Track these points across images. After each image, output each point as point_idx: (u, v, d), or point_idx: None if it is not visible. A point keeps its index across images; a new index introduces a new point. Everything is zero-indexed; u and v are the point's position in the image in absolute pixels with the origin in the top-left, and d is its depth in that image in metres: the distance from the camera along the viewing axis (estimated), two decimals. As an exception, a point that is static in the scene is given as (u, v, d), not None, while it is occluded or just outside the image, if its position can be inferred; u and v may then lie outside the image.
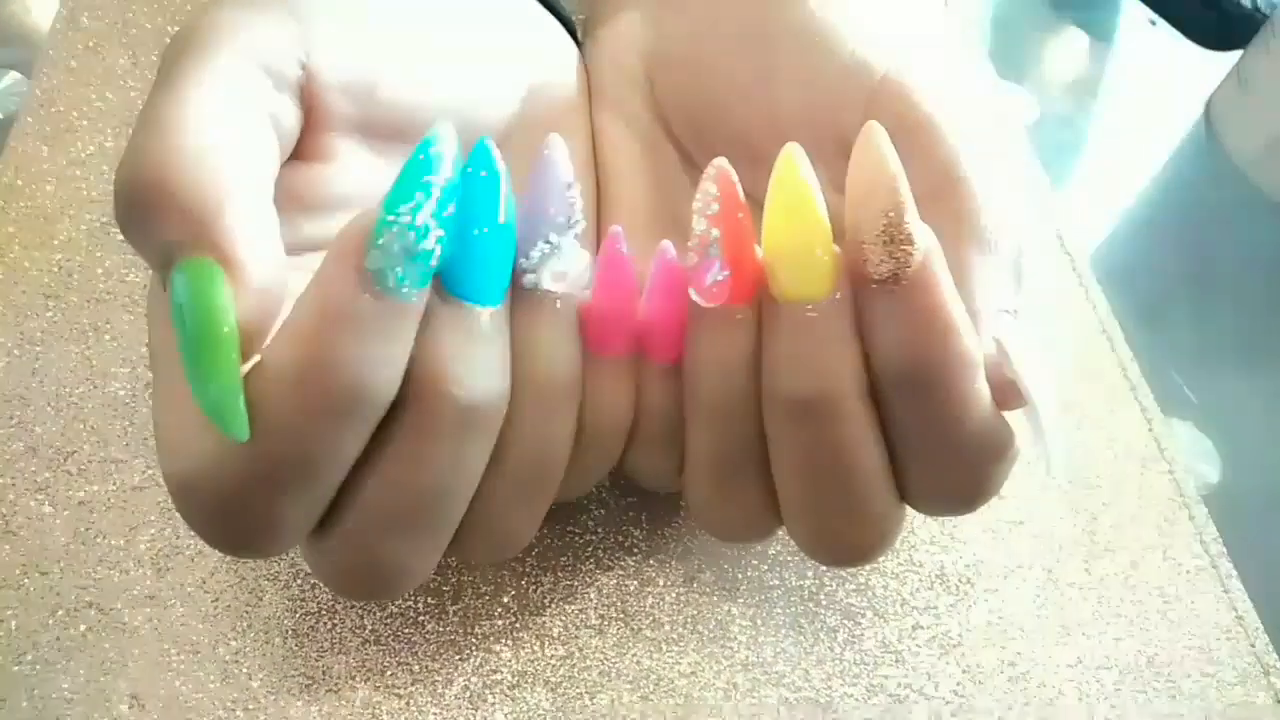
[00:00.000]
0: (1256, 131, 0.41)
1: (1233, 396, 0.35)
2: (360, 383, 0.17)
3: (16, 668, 0.22)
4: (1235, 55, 0.42)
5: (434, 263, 0.17)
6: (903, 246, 0.18)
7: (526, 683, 0.24)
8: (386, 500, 0.18)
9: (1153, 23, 0.46)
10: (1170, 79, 0.44)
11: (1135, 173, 0.41)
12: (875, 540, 0.21)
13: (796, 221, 0.19)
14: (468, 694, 0.23)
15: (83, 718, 0.22)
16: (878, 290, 0.19)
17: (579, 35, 0.29)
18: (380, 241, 0.16)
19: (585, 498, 0.27)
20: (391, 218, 0.16)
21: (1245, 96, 0.41)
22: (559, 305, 0.19)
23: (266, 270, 0.18)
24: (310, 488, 0.18)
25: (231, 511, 0.17)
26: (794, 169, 0.18)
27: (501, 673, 0.24)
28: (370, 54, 0.22)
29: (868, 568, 0.27)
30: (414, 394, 0.18)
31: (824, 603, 0.26)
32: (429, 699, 0.23)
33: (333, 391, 0.16)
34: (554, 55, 0.27)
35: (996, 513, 0.28)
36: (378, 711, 0.23)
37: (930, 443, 0.20)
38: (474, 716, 0.23)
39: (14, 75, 0.35)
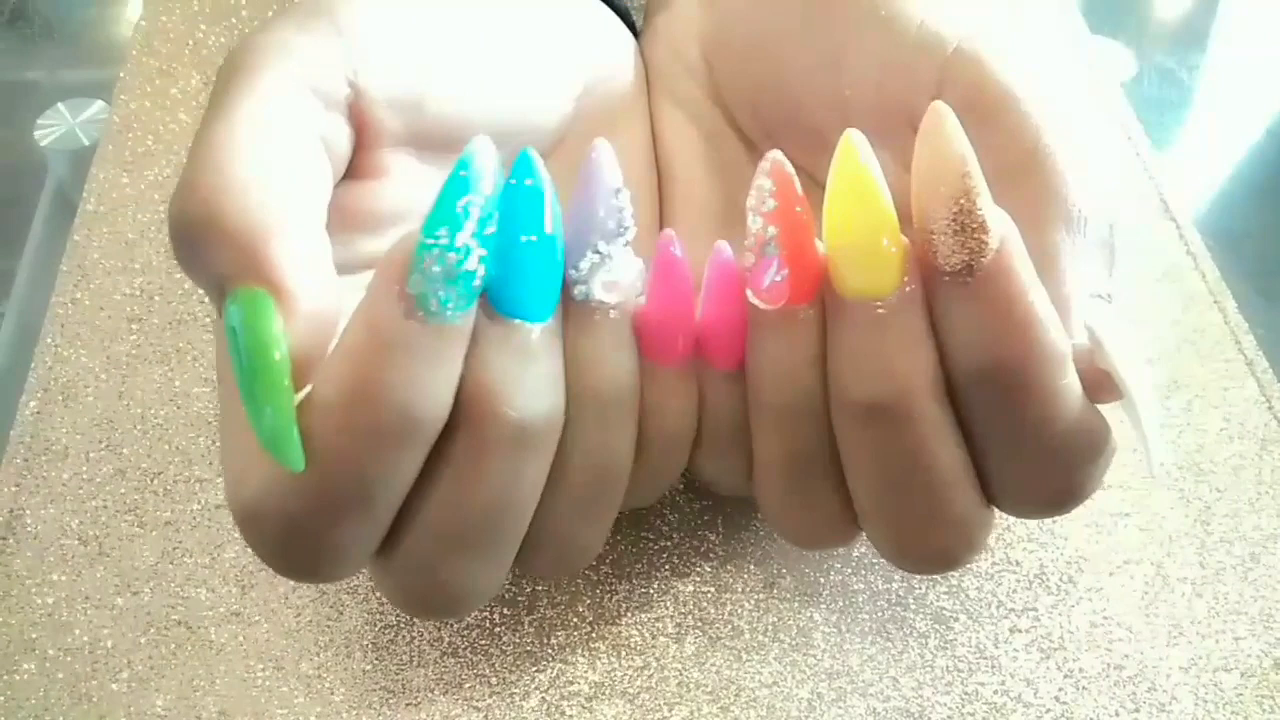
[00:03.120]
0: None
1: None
2: (409, 408, 0.16)
3: (114, 685, 0.23)
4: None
5: (478, 283, 0.16)
6: (976, 235, 0.17)
7: (604, 694, 0.23)
8: (446, 521, 0.18)
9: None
10: (1272, 21, 0.41)
11: (1245, 129, 0.38)
12: (960, 546, 0.20)
13: (859, 212, 0.18)
14: (545, 706, 0.23)
15: (176, 734, 0.23)
16: (950, 283, 0.18)
17: (637, 26, 0.28)
18: (421, 265, 0.16)
19: (660, 503, 0.26)
20: (431, 241, 0.16)
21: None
22: (612, 315, 0.19)
23: (317, 297, 0.17)
24: (369, 513, 0.17)
25: (294, 539, 0.17)
26: (854, 155, 0.17)
27: (578, 684, 0.23)
28: (417, 67, 0.21)
29: (959, 569, 0.25)
30: (466, 416, 0.17)
31: (912, 607, 0.25)
32: (506, 711, 0.23)
33: (382, 418, 0.16)
34: (610, 48, 0.27)
35: (1100, 505, 0.26)
36: (457, 725, 0.23)
37: (1016, 444, 0.19)
38: (553, 729, 0.23)
39: (99, 104, 0.36)
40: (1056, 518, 0.26)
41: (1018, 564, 0.25)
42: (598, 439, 0.19)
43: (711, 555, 0.25)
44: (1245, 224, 0.35)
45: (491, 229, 0.16)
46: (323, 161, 0.20)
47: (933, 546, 0.20)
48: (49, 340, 0.28)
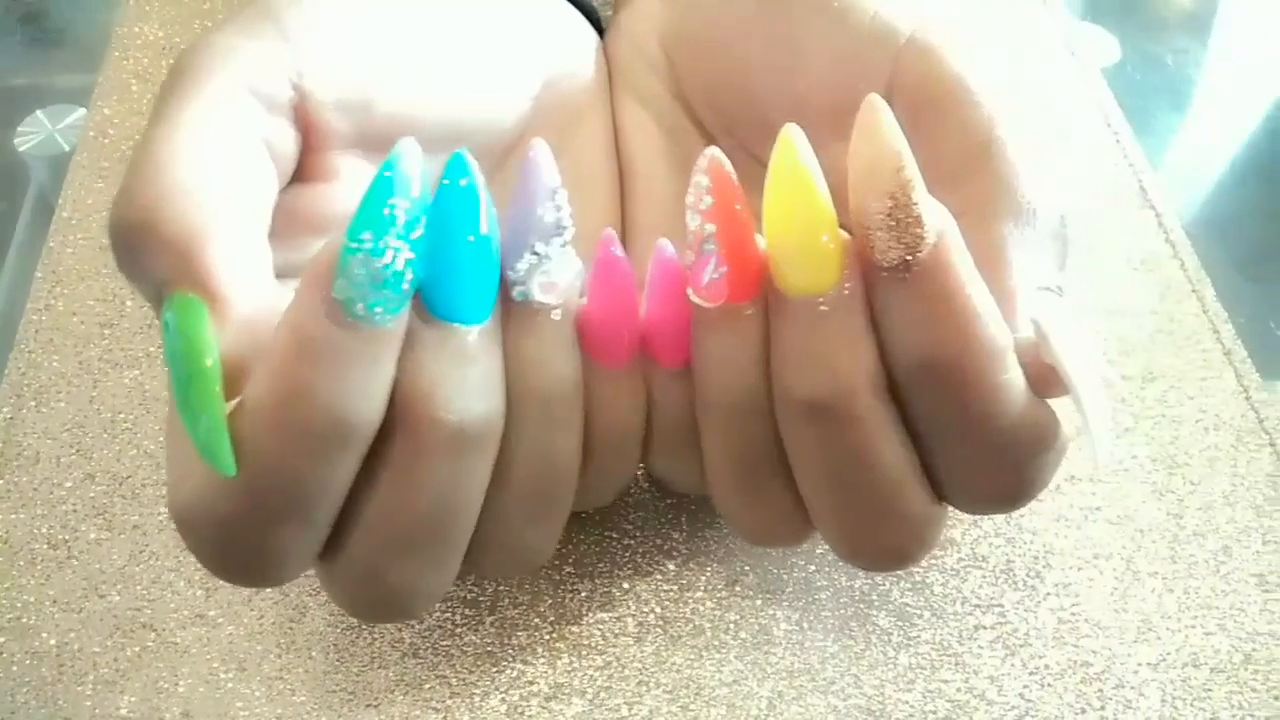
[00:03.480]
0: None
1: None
2: (338, 414, 0.16)
3: (79, 688, 0.23)
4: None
5: (406, 286, 0.16)
6: (911, 230, 0.17)
7: (563, 694, 0.23)
8: (388, 524, 0.18)
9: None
10: (1272, 13, 0.40)
11: (1231, 116, 0.37)
12: (912, 543, 0.20)
13: (797, 209, 0.17)
14: (505, 706, 0.23)
15: (140, 736, 0.23)
16: (888, 279, 0.17)
17: (604, 23, 0.28)
18: (346, 270, 0.16)
19: (624, 501, 0.26)
20: (355, 245, 0.16)
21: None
22: (555, 315, 0.18)
23: (252, 303, 0.18)
24: (304, 517, 0.17)
25: (230, 543, 0.17)
26: (792, 151, 0.17)
27: (538, 684, 0.23)
28: (364, 68, 0.21)
29: (924, 564, 0.25)
30: (402, 419, 0.17)
31: (876, 603, 0.24)
32: (466, 712, 0.23)
33: (311, 424, 0.16)
34: (570, 45, 0.26)
35: (1070, 499, 0.26)
36: (417, 726, 0.23)
37: (960, 440, 0.19)
38: (512, 729, 0.23)
39: (80, 111, 0.36)
40: (1024, 511, 0.26)
41: (984, 559, 0.25)
42: (541, 440, 0.19)
43: (675, 553, 0.25)
44: (1228, 211, 0.34)
45: (419, 232, 0.16)
46: (266, 165, 0.20)
47: (883, 544, 0.20)
48: (23, 346, 0.28)
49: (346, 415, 0.16)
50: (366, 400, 0.17)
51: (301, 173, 0.21)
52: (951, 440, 0.19)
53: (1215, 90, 0.37)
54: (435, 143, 0.23)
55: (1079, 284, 0.30)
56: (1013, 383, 0.18)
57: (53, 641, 0.24)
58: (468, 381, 0.17)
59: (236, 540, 0.17)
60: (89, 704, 0.23)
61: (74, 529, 0.25)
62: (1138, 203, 0.32)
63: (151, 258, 0.18)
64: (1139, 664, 0.24)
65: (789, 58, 0.23)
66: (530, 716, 0.23)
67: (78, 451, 0.27)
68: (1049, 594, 0.25)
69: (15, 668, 0.24)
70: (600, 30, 0.28)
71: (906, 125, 0.22)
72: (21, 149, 0.34)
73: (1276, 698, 0.23)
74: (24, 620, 0.24)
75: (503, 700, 0.23)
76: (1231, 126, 0.37)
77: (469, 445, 0.18)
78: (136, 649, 0.24)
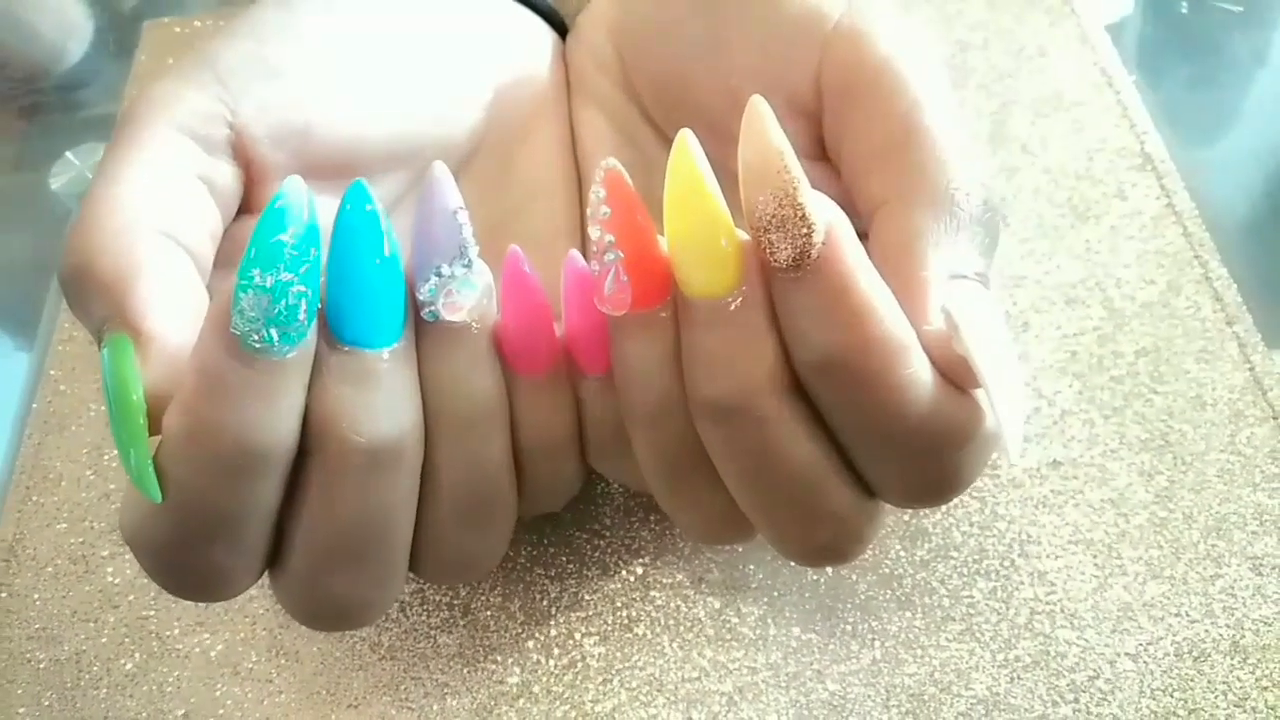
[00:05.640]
0: None
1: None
2: (244, 444, 0.17)
3: (95, 691, 0.25)
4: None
5: (302, 318, 0.17)
6: (799, 228, 0.17)
7: (530, 693, 0.24)
8: (319, 539, 0.19)
9: None
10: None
11: (1251, 70, 0.34)
12: (844, 540, 0.20)
13: (694, 214, 0.17)
14: (475, 705, 0.24)
15: (146, 736, 0.25)
16: (784, 278, 0.17)
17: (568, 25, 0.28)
18: (239, 306, 0.17)
19: (595, 502, 0.26)
20: (245, 281, 0.17)
21: None
22: (464, 334, 0.19)
23: (178, 340, 0.19)
24: (233, 538, 0.18)
25: (170, 563, 0.19)
26: (687, 158, 0.17)
27: (507, 683, 0.24)
28: (296, 100, 0.22)
29: (894, 556, 0.25)
30: (315, 443, 0.18)
31: (842, 597, 0.24)
32: (438, 713, 0.24)
33: (220, 455, 0.17)
34: (523, 51, 0.27)
35: (1050, 484, 0.25)
36: (393, 724, 0.24)
37: (871, 436, 0.18)
38: (482, 727, 0.24)
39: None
40: (999, 498, 0.25)
41: (957, 549, 0.25)
42: (463, 454, 0.20)
43: (643, 552, 0.26)
44: (1243, 171, 0.32)
45: (307, 266, 0.17)
46: (205, 203, 0.21)
47: (813, 542, 0.20)
48: (50, 375, 0.31)
49: (253, 445, 0.17)
50: (273, 428, 0.17)
51: (248, 204, 0.22)
52: (862, 437, 0.19)
53: (1234, 45, 0.35)
54: (385, 161, 0.24)
55: (1075, 251, 0.29)
56: (916, 377, 0.18)
57: (71, 650, 0.26)
58: (376, 404, 0.18)
59: (173, 561, 0.19)
60: (103, 706, 0.25)
61: (91, 545, 0.28)
62: (1138, 166, 0.30)
63: (90, 301, 0.19)
64: (1116, 654, 0.23)
65: (720, 50, 0.23)
66: (498, 714, 0.24)
67: (95, 472, 0.29)
68: (1022, 583, 0.24)
69: (42, 673, 0.26)
70: (564, 33, 0.28)
71: (834, 112, 0.22)
72: (54, 187, 0.36)
73: (1265, 689, 0.22)
74: (49, 630, 0.26)
75: (473, 699, 0.24)
76: (1245, 84, 0.34)
77: (382, 464, 0.18)
78: (144, 655, 0.26)
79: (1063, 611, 0.24)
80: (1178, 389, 0.26)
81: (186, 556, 0.18)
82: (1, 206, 0.40)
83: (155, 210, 0.20)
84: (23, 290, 0.37)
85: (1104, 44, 0.33)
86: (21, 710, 0.25)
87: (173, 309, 0.19)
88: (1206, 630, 0.23)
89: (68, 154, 0.37)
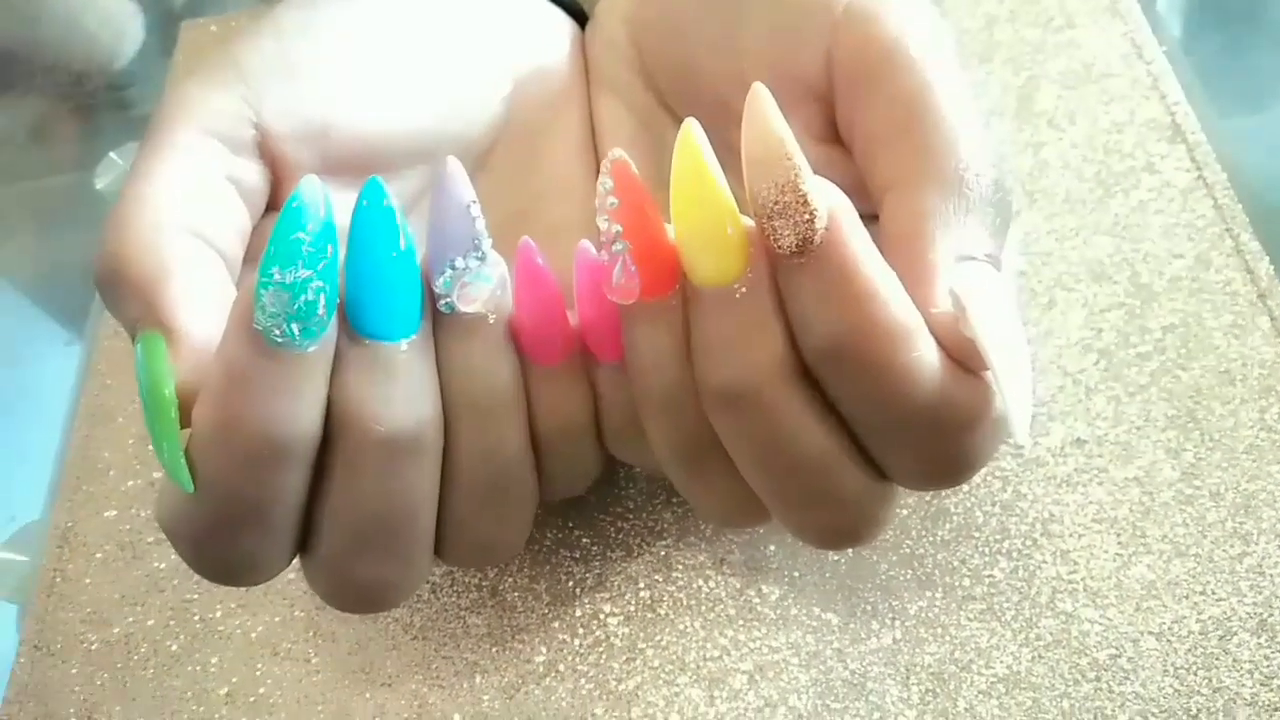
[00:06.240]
0: None
1: None
2: (269, 436, 0.18)
3: (143, 671, 0.26)
4: None
5: (321, 313, 0.18)
6: (802, 215, 0.17)
7: (556, 671, 0.25)
8: (345, 525, 0.20)
9: None
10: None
11: None
12: (859, 523, 0.20)
13: (699, 203, 0.18)
14: (503, 682, 0.25)
15: (192, 714, 0.26)
16: (789, 265, 0.17)
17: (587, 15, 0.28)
18: (261, 303, 0.17)
19: (618, 485, 0.27)
20: (266, 279, 0.17)
21: None
22: (480, 325, 0.19)
23: (208, 337, 0.19)
24: (263, 526, 0.19)
25: (204, 550, 0.20)
26: (693, 146, 0.18)
27: (534, 662, 0.25)
28: (318, 99, 0.23)
29: (915, 536, 0.25)
30: (337, 434, 0.19)
31: (863, 577, 0.24)
32: (468, 690, 0.25)
33: (246, 447, 0.18)
34: (541, 42, 0.27)
35: (1074, 462, 0.25)
36: (425, 702, 0.25)
37: (878, 420, 0.18)
38: (509, 705, 0.24)
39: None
40: (1022, 476, 0.25)
41: (980, 528, 0.25)
42: (482, 442, 0.20)
43: (665, 534, 0.26)
44: (1278, 144, 0.31)
45: (323, 264, 0.18)
46: (234, 202, 0.22)
47: (828, 525, 0.20)
48: (96, 369, 0.32)
49: (277, 436, 0.18)
50: (296, 420, 0.18)
51: (275, 202, 0.23)
52: (873, 421, 0.19)
53: (1270, 10, 0.34)
54: (408, 156, 0.25)
55: (1102, 226, 0.28)
56: (923, 360, 0.18)
57: (120, 632, 0.27)
58: (395, 395, 0.19)
59: (207, 549, 0.19)
60: (151, 685, 0.26)
61: (138, 532, 0.29)
62: (1168, 136, 0.29)
63: (124, 301, 0.20)
64: (1140, 633, 0.23)
65: (731, 36, 0.23)
66: (525, 692, 0.24)
67: (141, 463, 0.30)
68: (1045, 562, 0.24)
69: (94, 653, 0.27)
70: (584, 23, 0.29)
71: (845, 95, 0.22)
72: (99, 187, 0.38)
73: (1293, 666, 0.22)
74: (99, 614, 0.28)
75: (501, 678, 0.25)
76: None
77: (402, 453, 0.19)
78: (188, 637, 0.27)
79: (1085, 590, 0.23)
80: (1206, 364, 0.26)
81: (219, 543, 0.19)
82: (54, 206, 0.41)
83: (185, 211, 0.20)
84: (72, 287, 0.38)
85: (1134, 13, 0.32)
86: (76, 689, 0.26)
87: (202, 307, 0.20)
88: (1233, 608, 0.23)
89: (111, 154, 0.38)
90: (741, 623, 0.24)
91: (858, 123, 0.21)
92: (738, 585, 0.25)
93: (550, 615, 0.25)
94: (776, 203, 0.17)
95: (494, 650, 0.25)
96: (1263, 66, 0.33)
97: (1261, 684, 0.22)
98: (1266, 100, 0.32)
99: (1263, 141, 0.31)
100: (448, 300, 0.19)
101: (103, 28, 0.43)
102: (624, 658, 0.24)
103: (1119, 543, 0.24)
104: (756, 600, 0.25)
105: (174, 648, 0.27)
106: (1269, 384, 0.25)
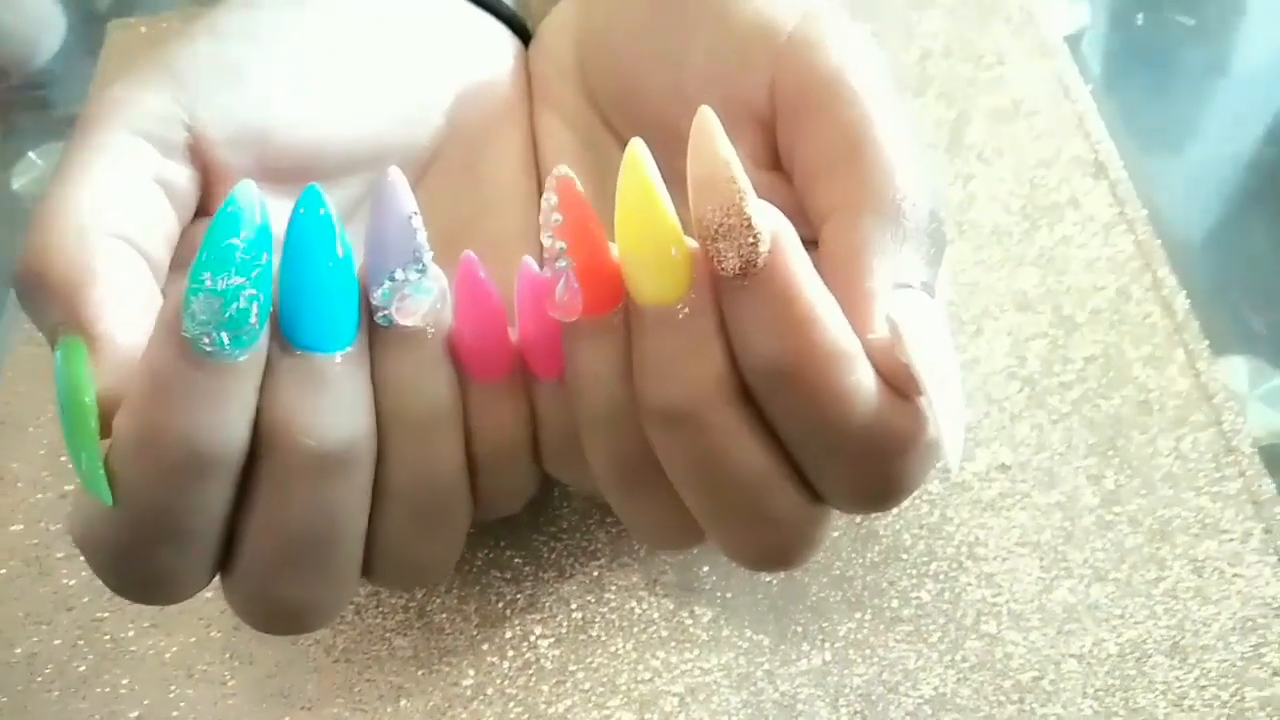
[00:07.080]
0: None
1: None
2: (196, 446, 0.17)
3: (46, 694, 0.25)
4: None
5: (254, 321, 0.17)
6: (745, 238, 0.17)
7: (485, 695, 0.24)
8: (269, 542, 0.19)
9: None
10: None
11: (1205, 81, 0.35)
12: (794, 544, 0.20)
13: (644, 224, 0.18)
14: (429, 706, 0.24)
15: (99, 738, 0.25)
16: (731, 287, 0.18)
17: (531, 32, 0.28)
18: (190, 310, 0.17)
19: (552, 504, 0.27)
20: (196, 285, 0.17)
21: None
22: (418, 338, 0.19)
23: (131, 344, 0.19)
24: (183, 541, 0.18)
25: (119, 566, 0.19)
26: (638, 165, 0.17)
27: (461, 685, 0.24)
28: (255, 103, 0.22)
29: (845, 558, 0.25)
30: (266, 447, 0.18)
31: (794, 598, 0.25)
32: (391, 715, 0.24)
33: (171, 458, 0.17)
34: (485, 57, 0.27)
35: (998, 487, 0.26)
36: (347, 726, 0.24)
37: (815, 441, 0.19)
38: (435, 729, 0.24)
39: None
40: (949, 501, 0.25)
41: (906, 551, 0.25)
42: (416, 458, 0.20)
43: (599, 555, 0.26)
44: (1195, 185, 0.32)
45: (258, 271, 0.17)
46: (161, 206, 0.21)
47: (762, 546, 0.20)
48: (7, 375, 0.31)
49: (203, 448, 0.17)
50: (222, 432, 0.18)
51: (206, 207, 0.22)
52: (809, 443, 0.19)
53: (1188, 57, 0.36)
54: (346, 165, 0.24)
55: (1028, 258, 0.29)
56: (860, 385, 0.18)
57: (23, 653, 0.26)
58: (328, 407, 0.18)
59: (124, 563, 0.19)
60: (55, 708, 0.25)
61: (46, 546, 0.27)
62: (1092, 173, 0.30)
63: (44, 305, 0.19)
64: (1061, 655, 0.23)
65: (678, 58, 0.23)
66: (452, 716, 0.24)
67: (52, 474, 0.29)
68: (970, 585, 0.24)
69: (-7, 677, 0.26)
70: (528, 40, 0.28)
71: (787, 122, 0.22)
72: (15, 188, 0.36)
73: (1203, 688, 0.23)
74: (1, 633, 0.26)
75: (427, 701, 0.24)
76: (1209, 91, 0.35)
77: (333, 468, 0.18)
78: (98, 657, 0.26)
79: (1009, 613, 0.24)
80: (1126, 394, 0.27)
81: (136, 559, 0.18)
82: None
83: (110, 214, 0.20)
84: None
85: (1062, 54, 0.33)
86: (-28, 713, 0.25)
87: (126, 312, 0.19)
88: (1148, 631, 0.23)
89: (30, 154, 0.36)
90: (674, 644, 0.24)
91: (799, 150, 0.22)
92: (670, 606, 0.25)
93: (479, 637, 0.25)
94: (720, 225, 0.17)
95: (420, 673, 0.25)
96: (1181, 108, 0.34)
97: (1174, 705, 0.23)
98: (1184, 140, 0.34)
99: (1180, 179, 0.32)
100: (385, 313, 0.19)
101: (21, 24, 0.42)
102: (554, 680, 0.24)
103: (1041, 566, 0.24)
104: (689, 621, 0.25)
105: (81, 669, 0.25)
106: (1184, 414, 0.26)
